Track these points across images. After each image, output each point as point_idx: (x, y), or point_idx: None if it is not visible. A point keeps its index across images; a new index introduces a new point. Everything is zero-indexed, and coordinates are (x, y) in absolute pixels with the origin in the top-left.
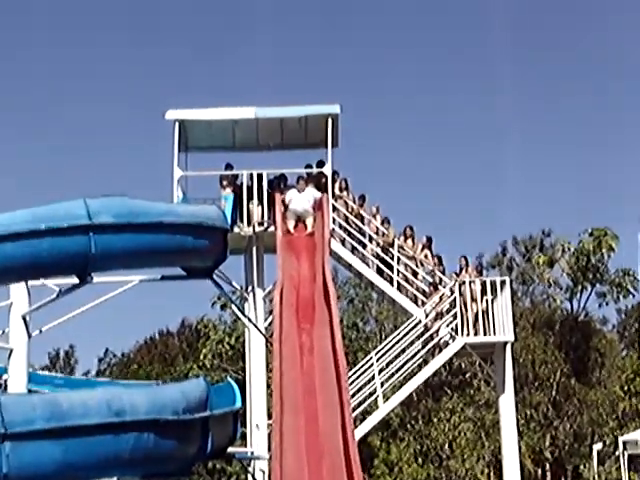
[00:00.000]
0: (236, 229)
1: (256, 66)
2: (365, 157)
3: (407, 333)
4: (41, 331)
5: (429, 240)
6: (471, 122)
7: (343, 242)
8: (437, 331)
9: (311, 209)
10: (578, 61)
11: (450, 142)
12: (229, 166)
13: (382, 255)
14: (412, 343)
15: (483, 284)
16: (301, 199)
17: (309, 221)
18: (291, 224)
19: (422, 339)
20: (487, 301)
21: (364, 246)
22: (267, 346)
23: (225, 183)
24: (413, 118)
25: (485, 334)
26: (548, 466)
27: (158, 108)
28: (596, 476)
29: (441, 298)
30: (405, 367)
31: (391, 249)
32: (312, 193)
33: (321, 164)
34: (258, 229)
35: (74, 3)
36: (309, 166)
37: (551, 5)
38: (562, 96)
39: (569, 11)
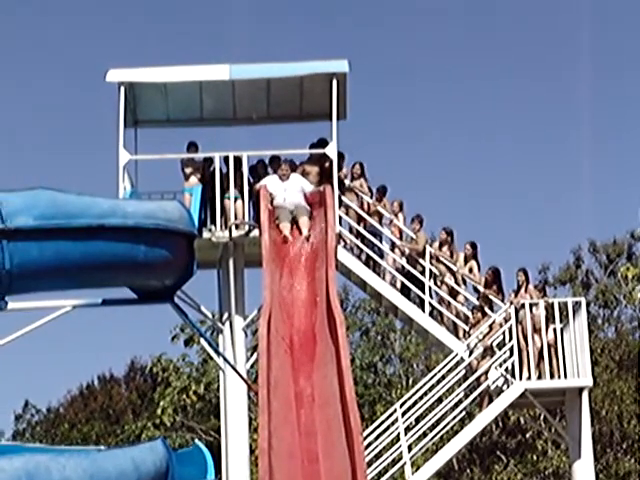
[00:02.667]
0: (206, 234)
1: (231, 16)
2: (380, 135)
3: (444, 377)
4: None
5: (474, 247)
6: (530, 94)
7: (353, 251)
8: (486, 373)
9: (304, 202)
10: None
11: (498, 118)
12: (193, 146)
13: (409, 268)
14: (451, 390)
15: (549, 308)
16: (287, 189)
17: (303, 220)
18: (286, 228)
19: (465, 385)
20: (555, 331)
21: (383, 256)
22: (250, 396)
23: (189, 171)
24: (445, 84)
25: (552, 377)
26: None
27: (97, 66)
28: None
29: (491, 327)
30: (442, 424)
31: (421, 260)
32: (299, 183)
33: (324, 143)
34: (236, 234)
35: None
36: (317, 145)
37: None
38: None
39: None
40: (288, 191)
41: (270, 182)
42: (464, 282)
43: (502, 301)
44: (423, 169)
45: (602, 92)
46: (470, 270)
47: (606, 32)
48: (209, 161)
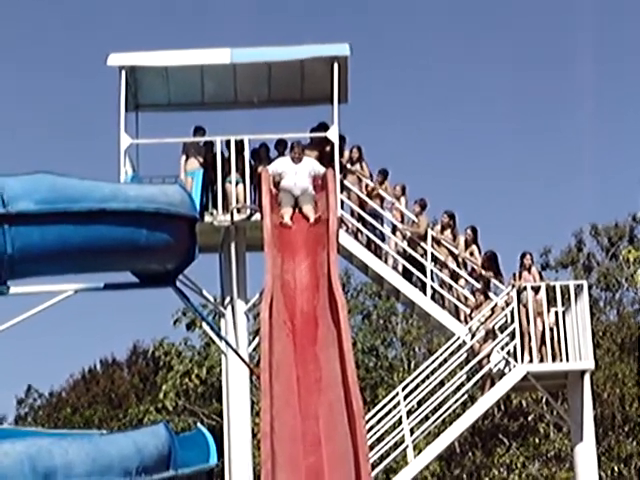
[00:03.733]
0: (207, 218)
1: (235, 3)
2: (381, 118)
3: (446, 360)
4: None
5: (474, 231)
6: (530, 78)
7: (356, 235)
8: (488, 356)
9: (312, 188)
10: None
11: (499, 101)
12: (199, 130)
13: (410, 252)
14: (453, 374)
15: (551, 291)
16: (298, 173)
17: (309, 207)
18: (287, 213)
19: (467, 368)
20: (557, 314)
21: (384, 239)
22: (252, 380)
23: (191, 154)
24: (446, 67)
25: (554, 360)
26: None
27: (98, 50)
28: None
29: (493, 311)
30: (444, 407)
31: (423, 243)
32: (312, 165)
33: (324, 127)
34: (238, 217)
35: None
36: (317, 129)
37: None
38: None
39: None
40: (299, 174)
41: (281, 164)
42: (465, 266)
43: (502, 284)
44: (425, 153)
45: (602, 75)
46: (471, 254)
47: (606, 17)
48: (209, 145)
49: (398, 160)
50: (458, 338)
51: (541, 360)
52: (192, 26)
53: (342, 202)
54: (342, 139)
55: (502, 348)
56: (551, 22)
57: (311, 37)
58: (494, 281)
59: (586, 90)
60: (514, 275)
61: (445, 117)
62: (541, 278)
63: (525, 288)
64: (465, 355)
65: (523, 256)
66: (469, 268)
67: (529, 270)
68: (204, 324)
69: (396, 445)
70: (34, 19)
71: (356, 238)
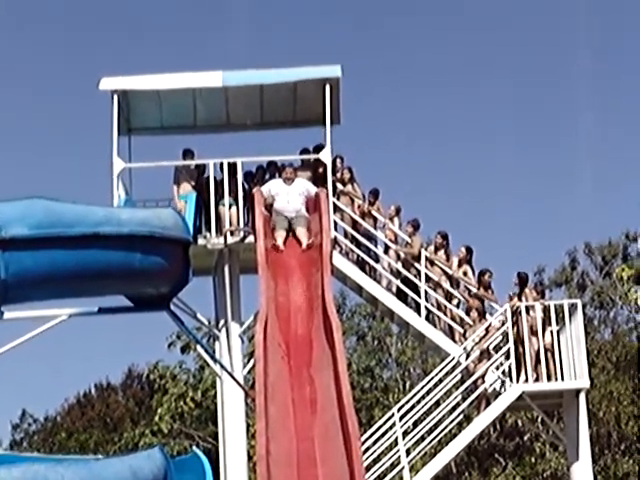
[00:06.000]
0: (201, 241)
1: (225, 24)
2: (373, 139)
3: (441, 380)
4: None
5: (469, 251)
6: (524, 97)
7: (348, 256)
8: (483, 377)
9: (305, 210)
10: None
11: (494, 121)
12: (189, 153)
13: (404, 272)
14: (448, 394)
15: (546, 310)
16: (290, 194)
17: (302, 230)
18: (280, 236)
19: (462, 388)
20: (552, 333)
21: (378, 260)
22: (247, 402)
23: (183, 178)
24: (438, 88)
25: (549, 380)
26: None
27: (90, 74)
28: None
29: (488, 330)
30: (440, 427)
31: (417, 264)
32: (304, 186)
33: (320, 149)
34: (231, 240)
35: None
36: (306, 151)
37: None
38: None
39: None
40: (291, 195)
41: (274, 185)
42: (458, 285)
43: (484, 287)
44: (418, 173)
45: (598, 92)
46: (465, 273)
47: (605, 33)
48: (202, 168)
49: (391, 180)
50: (453, 358)
51: (536, 379)
52: (184, 49)
53: (335, 223)
54: (339, 158)
55: (497, 368)
56: (548, 39)
57: (303, 59)
58: (488, 298)
59: (581, 109)
60: (509, 295)
61: (438, 137)
62: (541, 295)
63: (519, 308)
64: (460, 375)
65: (520, 277)
66: (462, 288)
67: (522, 290)
68: (198, 347)
69: (392, 466)
70: (27, 41)
71: (350, 259)
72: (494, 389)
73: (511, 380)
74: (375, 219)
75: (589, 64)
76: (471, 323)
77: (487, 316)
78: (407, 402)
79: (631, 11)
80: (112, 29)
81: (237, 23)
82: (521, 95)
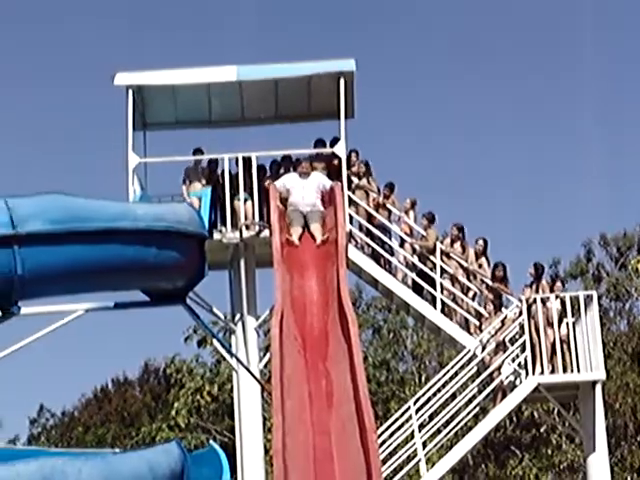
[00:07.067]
0: (216, 235)
1: (239, 18)
2: (387, 133)
3: (457, 373)
4: None
5: (485, 243)
6: (538, 87)
7: (364, 249)
8: (499, 369)
9: (320, 204)
10: None
11: (506, 113)
12: (199, 152)
13: (420, 266)
14: (464, 386)
15: (561, 302)
16: (305, 188)
17: (316, 227)
18: (296, 232)
19: (478, 381)
20: (567, 325)
21: (393, 253)
22: (264, 396)
23: (192, 177)
24: (451, 82)
25: (565, 371)
26: None
27: (105, 69)
28: None
29: (503, 323)
30: (456, 420)
31: (432, 257)
32: (320, 180)
33: (335, 142)
34: (247, 234)
35: None
36: (320, 142)
37: None
38: None
39: None
40: (306, 189)
41: (289, 179)
42: (475, 278)
43: (500, 280)
44: (432, 166)
45: (609, 84)
46: (480, 266)
47: (610, 32)
48: (214, 164)
49: (406, 174)
50: (469, 351)
51: (552, 371)
52: (198, 43)
53: (350, 217)
54: (354, 152)
55: (513, 360)
56: (554, 30)
57: (317, 53)
58: (504, 291)
59: (594, 99)
60: (526, 286)
61: (452, 131)
62: (554, 287)
63: (535, 300)
64: (476, 368)
65: (536, 267)
66: (478, 280)
67: (538, 282)
68: (215, 341)
69: (409, 459)
70: (42, 37)
71: (365, 252)
72: (510, 381)
73: (527, 372)
74: (390, 212)
75: (597, 57)
76: (487, 315)
77: (503, 309)
78: (423, 395)
79: None
80: (126, 26)
81: (249, 16)
82: (533, 88)
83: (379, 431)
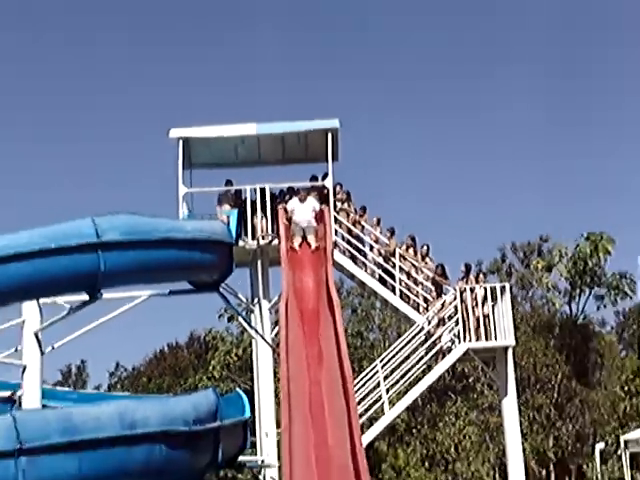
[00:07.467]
0: (241, 243)
1: (258, 82)
2: (371, 169)
3: (410, 340)
4: (53, 347)
5: (427, 248)
6: (468, 128)
7: (345, 253)
8: (440, 337)
9: (314, 221)
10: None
11: (445, 151)
12: (229, 182)
13: (384, 264)
14: (416, 350)
15: (484, 290)
16: (303, 209)
17: (311, 237)
18: (297, 241)
19: (425, 345)
20: (488, 307)
21: (366, 256)
22: (274, 356)
23: (224, 201)
24: (413, 126)
25: (487, 339)
26: (552, 466)
27: (161, 126)
28: (599, 475)
29: (443, 305)
30: (409, 373)
31: (393, 258)
32: (313, 203)
33: (325, 177)
34: (262, 242)
35: (76, 13)
36: (314, 177)
37: None
38: (550, 94)
39: None
40: (304, 210)
41: (292, 203)
42: (422, 273)
43: (440, 275)
44: (394, 191)
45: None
46: (426, 264)
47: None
48: (240, 192)
49: (376, 200)
50: (418, 325)
51: (478, 339)
52: (228, 104)
53: (335, 230)
54: (339, 185)
55: (450, 331)
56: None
57: (314, 111)
58: (443, 282)
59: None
60: (458, 280)
61: (409, 165)
62: (479, 280)
63: (465, 289)
64: (424, 337)
65: (466, 266)
66: (425, 275)
67: (467, 276)
68: (239, 318)
69: (376, 401)
70: (113, 101)
71: (345, 255)
72: (448, 346)
73: (460, 340)
74: (363, 227)
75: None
76: (431, 300)
77: (443, 295)
78: (386, 356)
79: None
80: (177, 91)
81: (266, 82)
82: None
83: (355, 381)
